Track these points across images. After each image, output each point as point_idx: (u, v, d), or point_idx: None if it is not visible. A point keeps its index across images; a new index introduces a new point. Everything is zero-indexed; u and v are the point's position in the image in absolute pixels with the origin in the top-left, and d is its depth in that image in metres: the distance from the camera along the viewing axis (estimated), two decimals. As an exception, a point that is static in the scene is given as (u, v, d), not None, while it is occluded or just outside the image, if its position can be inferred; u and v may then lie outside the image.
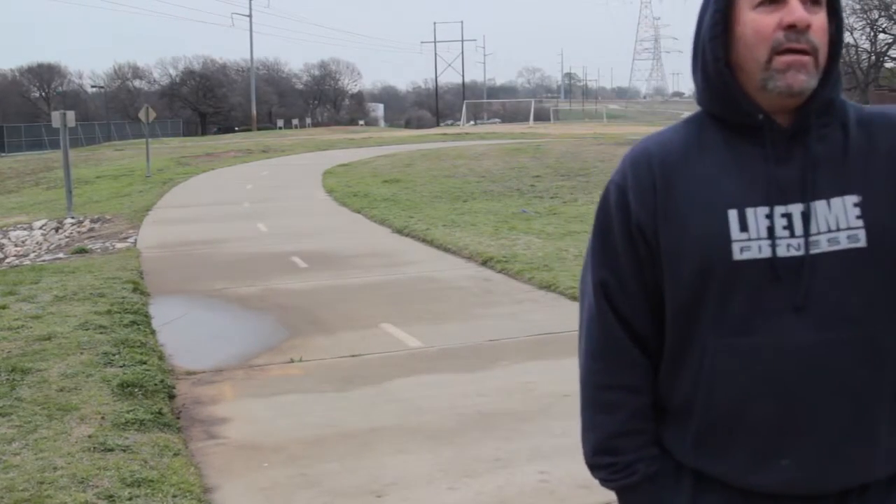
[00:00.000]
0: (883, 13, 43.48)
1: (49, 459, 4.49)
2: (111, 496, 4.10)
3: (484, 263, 10.78)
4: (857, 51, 43.80)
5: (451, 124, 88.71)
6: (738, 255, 1.43)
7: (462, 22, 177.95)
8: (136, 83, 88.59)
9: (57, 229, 18.66)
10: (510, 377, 6.26)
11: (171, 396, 5.94)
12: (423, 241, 13.05)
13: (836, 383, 1.42)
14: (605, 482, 1.59)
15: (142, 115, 29.26)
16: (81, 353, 6.54)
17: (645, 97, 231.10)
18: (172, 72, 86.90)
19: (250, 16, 76.87)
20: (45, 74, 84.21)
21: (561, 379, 6.03)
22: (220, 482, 4.58)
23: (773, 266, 1.43)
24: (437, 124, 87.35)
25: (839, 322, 1.42)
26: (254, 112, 74.02)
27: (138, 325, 7.73)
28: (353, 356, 6.93)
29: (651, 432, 1.57)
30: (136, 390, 5.72)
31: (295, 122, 76.20)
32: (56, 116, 20.04)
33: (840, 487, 1.46)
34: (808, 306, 1.42)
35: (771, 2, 1.42)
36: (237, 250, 12.85)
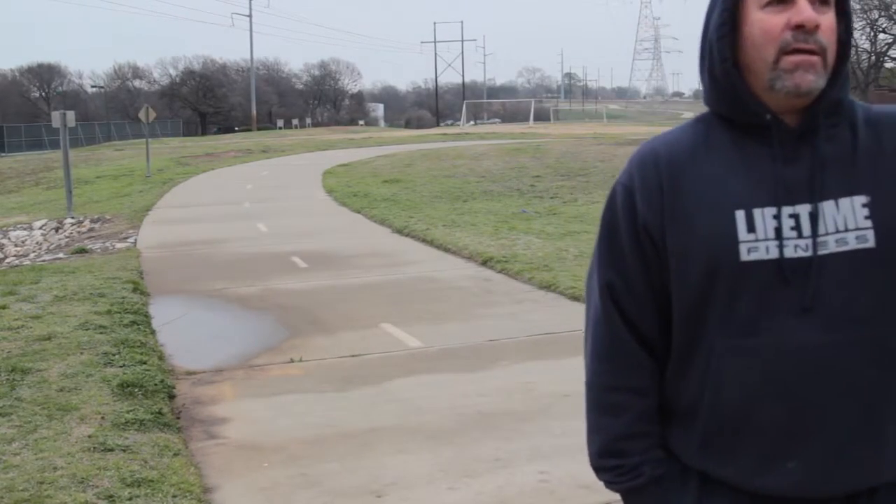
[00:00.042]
0: (883, 13, 43.47)
1: (49, 459, 4.48)
2: (111, 496, 4.10)
3: (484, 263, 10.78)
4: (856, 51, 43.77)
5: (451, 124, 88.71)
6: (745, 256, 1.42)
7: (462, 22, 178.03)
8: (136, 83, 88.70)
9: (57, 229, 18.66)
10: (510, 377, 6.26)
11: (171, 396, 5.94)
12: (423, 241, 13.05)
13: (843, 384, 1.41)
14: (610, 484, 1.58)
15: (142, 115, 29.27)
16: (81, 353, 6.54)
17: (645, 97, 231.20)
18: (172, 72, 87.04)
19: (250, 16, 76.92)
20: (45, 74, 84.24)
21: (561, 379, 6.03)
22: (220, 482, 4.57)
23: (780, 267, 1.42)
24: (437, 124, 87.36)
25: (847, 323, 1.41)
26: (254, 112, 74.02)
27: (138, 325, 7.73)
28: (353, 356, 6.93)
29: (657, 435, 1.56)
30: (136, 390, 5.72)
31: (295, 122, 76.19)
32: (56, 116, 20.04)
33: (848, 490, 1.45)
34: (815, 307, 1.41)
35: (779, 2, 1.41)
36: (237, 250, 12.84)
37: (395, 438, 5.12)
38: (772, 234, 1.43)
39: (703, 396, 1.48)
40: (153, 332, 7.72)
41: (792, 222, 1.43)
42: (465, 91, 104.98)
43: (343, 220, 16.50)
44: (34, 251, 16.22)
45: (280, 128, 71.75)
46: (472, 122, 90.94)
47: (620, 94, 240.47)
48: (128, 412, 5.28)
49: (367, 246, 12.84)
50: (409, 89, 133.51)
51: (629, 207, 1.52)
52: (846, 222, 1.43)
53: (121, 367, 6.23)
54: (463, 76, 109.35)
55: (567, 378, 6.03)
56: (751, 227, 1.43)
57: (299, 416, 5.57)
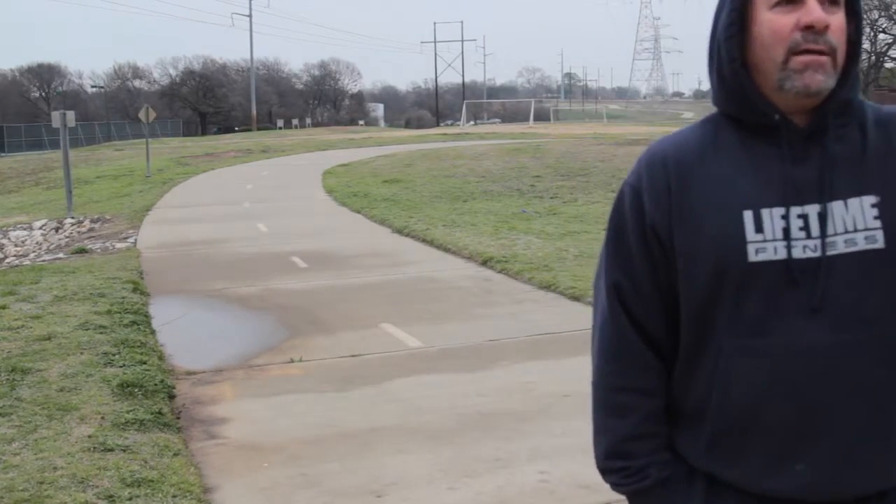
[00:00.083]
0: (883, 13, 43.50)
1: (49, 459, 4.48)
2: (111, 496, 4.09)
3: (484, 263, 10.78)
4: (857, 51, 43.71)
5: (451, 124, 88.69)
6: (753, 257, 1.42)
7: (462, 22, 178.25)
8: (136, 83, 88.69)
9: (57, 229, 18.66)
10: (510, 377, 6.26)
11: (171, 396, 5.93)
12: (423, 241, 13.04)
13: (852, 384, 1.40)
14: (616, 486, 1.58)
15: (142, 115, 29.27)
16: (81, 353, 6.53)
17: (645, 97, 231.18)
18: (172, 72, 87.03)
19: (250, 16, 76.92)
20: (45, 74, 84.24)
21: (561, 379, 6.03)
22: (220, 482, 4.57)
23: (788, 268, 1.41)
24: (437, 124, 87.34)
25: (856, 323, 1.40)
26: (254, 112, 74.02)
27: (138, 325, 7.73)
28: (353, 356, 6.93)
29: (664, 436, 1.55)
30: (136, 390, 5.72)
31: (295, 122, 76.20)
32: (56, 116, 20.04)
33: (857, 493, 1.44)
34: (824, 307, 1.40)
35: (788, 2, 1.40)
36: (237, 250, 12.84)
37: (395, 438, 5.12)
38: (780, 234, 1.42)
39: (710, 397, 1.47)
40: (153, 332, 7.71)
41: (800, 223, 1.42)
42: (465, 91, 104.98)
43: (343, 220, 16.50)
44: (34, 251, 16.22)
45: (280, 128, 71.74)
46: (472, 122, 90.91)
47: (620, 94, 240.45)
48: (128, 412, 5.28)
49: (367, 246, 12.84)
50: (409, 89, 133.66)
51: (637, 208, 1.51)
52: (855, 222, 1.42)
53: (121, 367, 6.23)
54: (463, 76, 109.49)
55: (567, 378, 6.03)
56: (759, 228, 1.42)
57: (299, 416, 5.57)
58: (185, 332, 8.09)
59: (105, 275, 10.25)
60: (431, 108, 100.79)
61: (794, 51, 1.40)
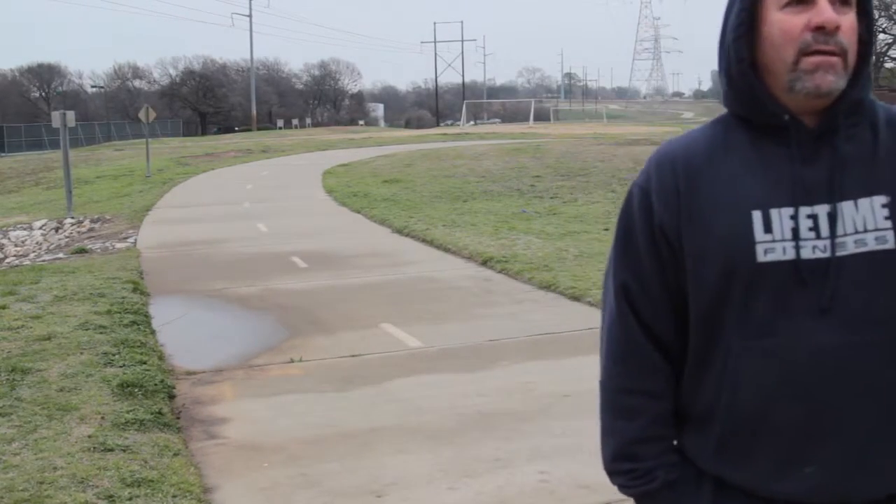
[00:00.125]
0: (883, 13, 43.51)
1: (49, 459, 4.47)
2: (111, 496, 4.09)
3: (484, 263, 10.78)
4: (857, 51, 43.78)
5: (451, 124, 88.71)
6: (762, 257, 1.41)
7: (462, 22, 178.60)
8: (136, 83, 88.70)
9: (57, 229, 18.65)
10: (510, 377, 6.26)
11: (171, 396, 5.93)
12: (423, 241, 13.04)
13: (861, 386, 1.39)
14: (623, 488, 1.57)
15: (142, 115, 29.26)
16: (81, 353, 6.53)
17: (645, 97, 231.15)
18: (172, 72, 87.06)
19: (250, 16, 76.92)
20: (45, 74, 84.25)
21: (561, 379, 6.03)
22: (220, 482, 4.57)
23: (797, 268, 1.40)
24: (437, 124, 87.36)
25: (865, 324, 1.39)
26: (254, 112, 74.02)
27: (138, 325, 7.72)
28: (353, 356, 6.93)
29: (671, 438, 1.55)
30: (136, 390, 5.71)
31: (295, 122, 76.19)
32: (56, 116, 20.04)
33: (866, 497, 1.43)
34: (833, 308, 1.39)
35: (799, 2, 1.39)
36: (237, 250, 12.84)
37: (395, 438, 5.11)
38: (789, 234, 1.41)
39: (719, 398, 1.46)
40: (153, 332, 7.71)
41: (810, 223, 1.41)
42: (465, 91, 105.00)
43: (343, 220, 16.50)
44: (34, 251, 16.22)
45: (280, 128, 71.74)
46: (472, 122, 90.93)
47: (620, 94, 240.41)
48: (128, 412, 5.27)
49: (367, 246, 12.84)
50: (409, 89, 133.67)
51: (646, 209, 1.51)
52: (865, 223, 1.41)
53: (121, 367, 6.22)
54: (463, 76, 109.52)
55: (567, 378, 6.03)
56: (767, 228, 1.41)
57: (299, 416, 5.57)
58: (185, 332, 8.08)
59: (105, 275, 10.24)
60: (431, 108, 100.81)
61: (805, 51, 1.39)
